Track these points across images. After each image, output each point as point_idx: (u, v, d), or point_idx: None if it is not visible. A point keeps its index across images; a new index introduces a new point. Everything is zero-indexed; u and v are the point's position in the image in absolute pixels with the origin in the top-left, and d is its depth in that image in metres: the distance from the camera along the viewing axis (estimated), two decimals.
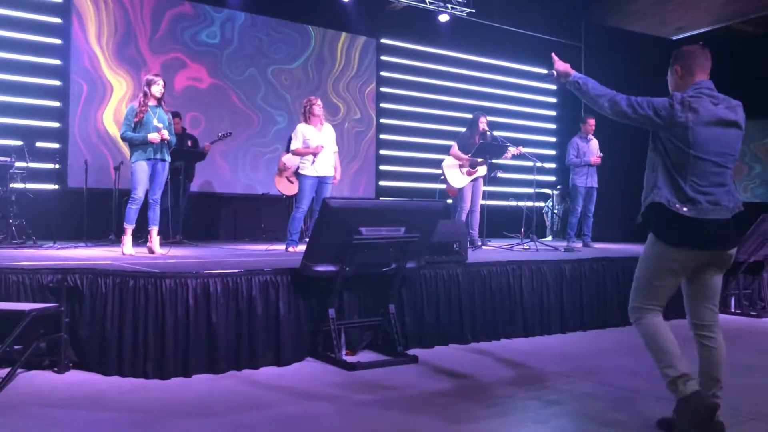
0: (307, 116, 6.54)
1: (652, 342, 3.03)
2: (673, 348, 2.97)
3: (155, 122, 5.77)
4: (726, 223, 2.95)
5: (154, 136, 5.71)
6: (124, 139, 5.84)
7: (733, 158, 3.00)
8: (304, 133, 6.47)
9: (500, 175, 8.43)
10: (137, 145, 5.76)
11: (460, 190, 7.55)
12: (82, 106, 8.25)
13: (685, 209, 2.91)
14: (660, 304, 3.07)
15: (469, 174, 7.51)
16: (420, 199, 9.88)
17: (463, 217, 7.46)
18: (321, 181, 6.52)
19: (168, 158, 5.94)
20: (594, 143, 8.37)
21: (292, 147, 6.58)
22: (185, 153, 7.77)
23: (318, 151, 6.41)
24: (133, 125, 5.75)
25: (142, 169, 5.75)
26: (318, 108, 6.52)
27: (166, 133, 5.78)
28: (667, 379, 2.95)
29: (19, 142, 7.03)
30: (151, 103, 5.84)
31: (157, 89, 5.83)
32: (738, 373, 3.86)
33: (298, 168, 6.66)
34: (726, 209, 2.95)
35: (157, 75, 5.97)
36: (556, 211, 11.50)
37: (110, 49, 8.45)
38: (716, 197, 2.93)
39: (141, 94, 5.86)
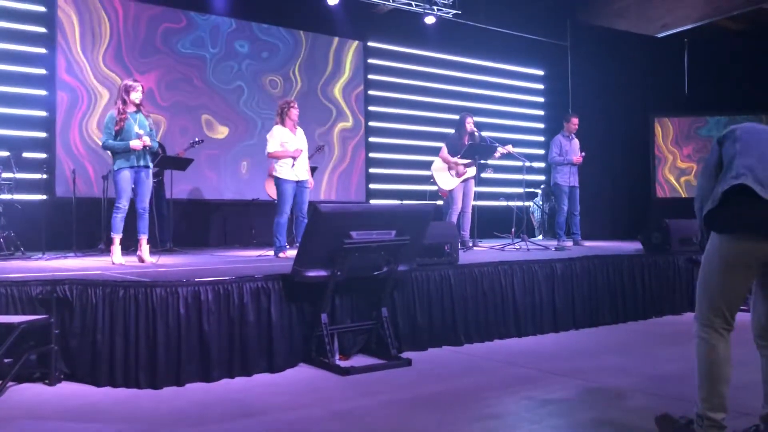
0: (284, 118, 6.51)
1: (704, 369, 2.75)
2: (723, 386, 2.72)
3: (136, 129, 5.66)
4: None
5: (136, 144, 5.62)
6: (105, 147, 5.73)
7: None
8: (281, 136, 6.44)
9: (490, 174, 8.44)
10: (119, 153, 5.67)
11: (451, 191, 7.56)
12: (68, 116, 8.20)
13: None
14: (728, 312, 2.75)
15: (459, 175, 7.52)
16: (411, 201, 9.89)
17: (454, 218, 7.47)
18: (299, 185, 6.49)
19: (150, 165, 5.87)
20: (576, 142, 8.42)
21: (270, 149, 6.48)
22: (170, 160, 7.73)
23: (297, 154, 6.40)
24: (113, 133, 5.66)
25: (125, 177, 5.67)
26: (295, 112, 6.50)
27: (147, 140, 5.69)
28: (697, 410, 2.75)
29: (6, 153, 6.98)
30: (131, 109, 5.73)
31: (136, 95, 5.72)
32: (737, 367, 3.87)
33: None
34: None
35: (135, 80, 5.83)
36: (544, 210, 11.54)
37: (96, 58, 8.40)
38: None
39: (119, 101, 5.70)
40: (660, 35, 10.69)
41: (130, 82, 5.76)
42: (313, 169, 8.52)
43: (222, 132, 9.29)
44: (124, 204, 5.68)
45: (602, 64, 10.87)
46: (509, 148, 7.68)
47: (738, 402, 3.41)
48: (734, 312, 2.78)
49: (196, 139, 8.18)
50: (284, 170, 6.41)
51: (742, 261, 2.70)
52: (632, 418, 3.32)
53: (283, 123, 6.51)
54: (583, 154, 8.32)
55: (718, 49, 10.46)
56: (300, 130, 6.63)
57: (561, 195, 8.29)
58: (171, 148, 8.22)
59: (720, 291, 2.75)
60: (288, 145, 6.40)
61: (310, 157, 8.54)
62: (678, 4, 10.23)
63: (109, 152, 5.80)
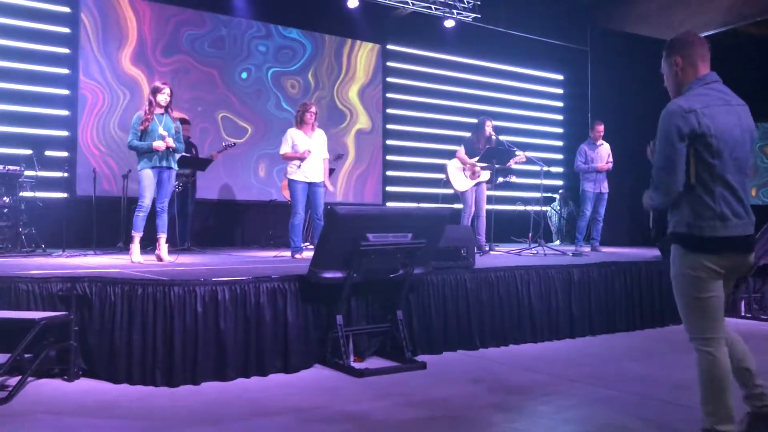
0: (298, 121, 6.54)
1: (707, 382, 2.74)
2: (727, 396, 2.70)
3: (160, 130, 5.78)
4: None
5: (158, 144, 5.73)
6: (130, 147, 5.89)
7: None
8: (293, 138, 6.46)
9: (514, 179, 8.45)
10: (143, 153, 5.79)
11: (463, 194, 7.54)
12: (90, 115, 8.30)
13: None
14: (717, 320, 2.74)
15: (473, 177, 7.51)
16: (427, 204, 9.89)
17: (467, 221, 7.45)
18: (311, 186, 6.50)
19: (175, 166, 5.97)
20: (604, 148, 8.35)
21: (281, 151, 6.53)
22: (190, 160, 7.80)
23: (305, 156, 6.39)
24: (139, 133, 5.78)
25: (147, 176, 5.78)
26: (310, 115, 6.50)
27: (171, 141, 5.79)
28: (705, 426, 2.74)
29: (29, 151, 7.07)
30: (158, 111, 5.85)
31: (163, 97, 5.84)
32: None
33: None
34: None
35: (164, 83, 5.97)
36: (561, 215, 11.47)
37: (118, 58, 8.50)
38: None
39: (147, 102, 5.90)
40: None
41: (158, 84, 5.90)
42: (330, 171, 8.58)
43: (241, 133, 9.34)
44: (146, 203, 5.77)
45: (622, 69, 10.78)
46: (526, 155, 7.67)
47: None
48: (722, 316, 2.77)
49: (231, 142, 8.24)
50: (293, 171, 6.44)
51: (711, 272, 2.71)
52: (648, 426, 3.29)
53: (298, 125, 6.54)
54: (611, 161, 8.27)
55: (741, 55, 10.32)
56: (318, 132, 6.62)
57: (586, 201, 8.26)
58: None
59: (710, 304, 2.73)
60: (299, 147, 6.42)
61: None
62: (700, 10, 10.13)
63: (134, 152, 5.91)
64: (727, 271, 2.74)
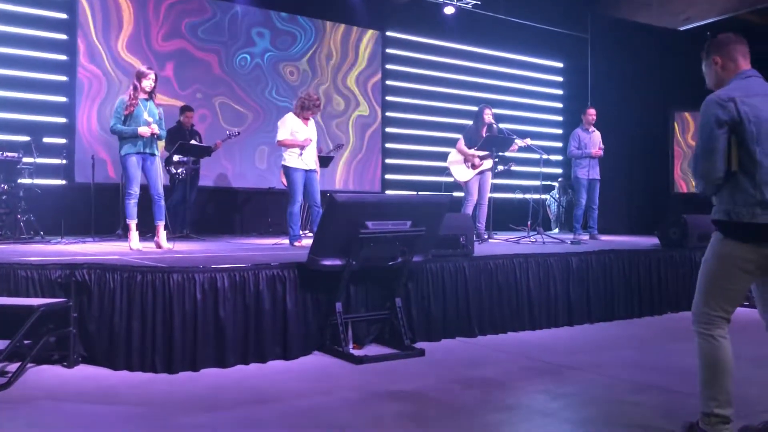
0: (302, 110, 6.50)
1: (708, 365, 2.76)
2: (727, 381, 2.72)
3: (145, 116, 5.69)
4: None
5: (144, 130, 5.65)
6: (113, 131, 5.76)
7: None
8: (292, 125, 6.44)
9: (513, 167, 8.45)
10: (126, 138, 5.69)
11: (466, 183, 7.54)
12: (88, 101, 8.27)
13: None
14: (729, 311, 2.78)
15: (474, 167, 7.50)
16: (427, 192, 9.89)
17: (469, 210, 7.45)
18: (308, 174, 6.49)
19: (157, 152, 5.90)
20: (596, 135, 8.35)
21: (280, 137, 6.46)
22: (192, 147, 7.79)
23: (307, 143, 6.39)
24: (122, 118, 5.68)
25: (132, 163, 5.71)
26: (311, 113, 6.48)
27: (156, 128, 5.72)
28: (703, 409, 2.76)
29: (27, 138, 7.05)
30: (142, 96, 5.76)
31: (148, 83, 5.74)
32: (748, 365, 3.85)
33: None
34: None
35: (149, 68, 5.85)
36: (560, 203, 11.47)
37: (116, 44, 8.46)
38: None
39: (131, 87, 5.77)
40: (682, 28, 10.55)
41: (143, 69, 5.80)
42: (329, 159, 8.58)
43: (240, 120, 9.32)
44: (135, 190, 5.73)
45: (622, 56, 10.76)
46: (527, 141, 7.65)
47: (755, 399, 3.40)
48: (734, 309, 2.80)
49: (235, 131, 8.21)
50: (293, 159, 6.41)
51: (748, 264, 2.71)
52: (646, 412, 3.31)
53: (298, 113, 6.51)
54: (602, 147, 8.27)
55: None
56: (311, 121, 6.62)
57: (580, 188, 8.26)
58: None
59: (730, 295, 2.76)
60: (298, 135, 6.40)
61: (328, 154, 8.57)
62: None
63: (117, 137, 5.84)
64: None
